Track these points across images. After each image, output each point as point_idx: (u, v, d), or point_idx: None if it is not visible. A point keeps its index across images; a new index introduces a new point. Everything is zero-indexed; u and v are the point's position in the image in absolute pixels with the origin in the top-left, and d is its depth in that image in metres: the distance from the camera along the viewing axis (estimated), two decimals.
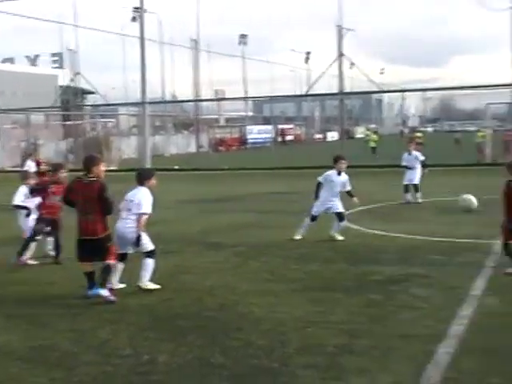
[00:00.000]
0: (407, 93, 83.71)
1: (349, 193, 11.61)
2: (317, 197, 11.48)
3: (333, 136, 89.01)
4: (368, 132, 61.90)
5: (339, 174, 11.43)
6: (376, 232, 12.17)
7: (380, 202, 16.52)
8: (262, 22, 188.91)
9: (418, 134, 49.14)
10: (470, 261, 9.40)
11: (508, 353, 5.64)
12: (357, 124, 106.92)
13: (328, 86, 59.77)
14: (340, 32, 33.47)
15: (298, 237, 11.50)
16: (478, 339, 6.01)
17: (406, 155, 17.58)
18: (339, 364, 5.49)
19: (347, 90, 58.32)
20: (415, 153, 17.55)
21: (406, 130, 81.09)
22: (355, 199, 11.67)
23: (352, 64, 37.06)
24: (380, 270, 8.95)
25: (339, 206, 11.48)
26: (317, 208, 11.53)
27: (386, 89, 68.38)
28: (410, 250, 10.42)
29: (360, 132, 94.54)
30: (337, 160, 11.48)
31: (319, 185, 11.49)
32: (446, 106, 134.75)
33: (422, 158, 17.53)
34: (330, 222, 11.74)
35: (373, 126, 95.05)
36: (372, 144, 43.73)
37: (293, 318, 6.81)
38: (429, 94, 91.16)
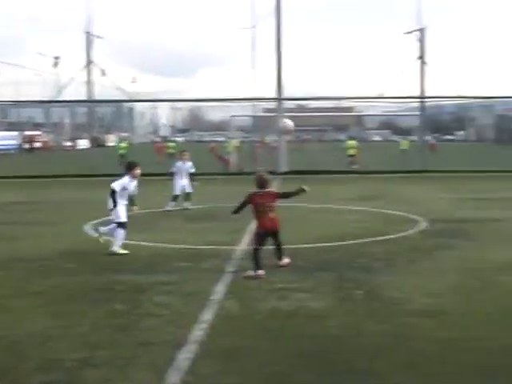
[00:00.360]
0: (158, 102, 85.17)
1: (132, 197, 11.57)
2: (115, 204, 11.04)
3: (83, 144, 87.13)
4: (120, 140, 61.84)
5: (132, 180, 11.35)
6: (125, 241, 12.10)
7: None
8: (7, 22, 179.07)
9: (171, 144, 50.16)
10: (212, 267, 9.78)
11: (244, 353, 5.96)
12: (108, 132, 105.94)
13: (78, 92, 58.34)
14: (89, 38, 32.89)
15: (122, 251, 11.00)
16: (218, 342, 6.28)
17: (179, 164, 17.76)
18: (80, 378, 5.38)
19: (98, 97, 57.44)
20: (189, 163, 17.87)
21: (158, 140, 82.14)
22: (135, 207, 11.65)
23: (103, 71, 36.56)
24: (126, 280, 8.94)
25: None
26: (124, 214, 11.20)
27: (137, 98, 68.79)
28: (157, 258, 10.56)
29: (112, 140, 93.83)
30: (132, 167, 11.39)
31: (115, 193, 11.07)
32: (195, 117, 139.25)
33: (192, 169, 17.89)
34: (74, 231, 11.49)
35: (124, 134, 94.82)
36: (121, 151, 43.64)
37: (33, 334, 6.52)
38: (179, 104, 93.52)
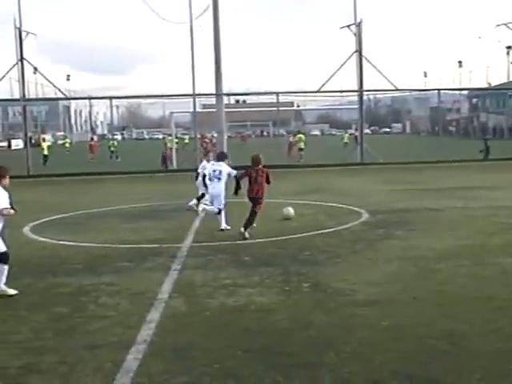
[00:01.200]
0: (95, 100, 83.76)
1: None
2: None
3: (17, 144, 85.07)
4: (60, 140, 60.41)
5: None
6: (64, 243, 11.86)
7: (65, 212, 16.16)
8: None
9: (114, 143, 49.30)
10: (156, 265, 9.68)
11: (193, 351, 5.91)
12: (44, 131, 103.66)
13: (10, 91, 56.83)
14: (20, 35, 31.96)
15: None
16: (166, 341, 6.20)
17: (205, 164, 15.88)
18: None
19: (32, 95, 56.13)
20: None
21: (95, 138, 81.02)
22: None
23: (35, 69, 35.54)
24: (68, 282, 8.74)
25: None
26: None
27: (72, 95, 67.49)
28: (99, 258, 10.37)
29: (47, 140, 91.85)
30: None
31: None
32: (133, 114, 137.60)
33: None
34: (13, 234, 11.19)
35: (61, 133, 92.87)
36: (45, 152, 42.00)
37: None
38: (116, 101, 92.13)
